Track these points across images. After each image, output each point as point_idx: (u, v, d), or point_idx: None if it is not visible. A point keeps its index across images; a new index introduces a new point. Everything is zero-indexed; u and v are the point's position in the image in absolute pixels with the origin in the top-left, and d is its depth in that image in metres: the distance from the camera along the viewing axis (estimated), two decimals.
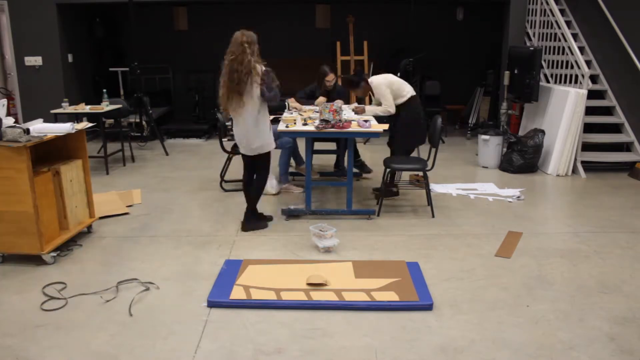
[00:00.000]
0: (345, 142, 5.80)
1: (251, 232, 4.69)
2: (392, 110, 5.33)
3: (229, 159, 6.07)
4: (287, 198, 5.67)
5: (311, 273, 3.72)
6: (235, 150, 5.93)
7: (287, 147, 5.88)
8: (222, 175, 6.07)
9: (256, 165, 4.71)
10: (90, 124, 4.80)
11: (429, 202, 5.14)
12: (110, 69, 9.03)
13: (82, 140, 4.50)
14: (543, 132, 6.78)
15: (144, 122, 8.37)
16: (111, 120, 8.08)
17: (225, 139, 7.94)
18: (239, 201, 5.55)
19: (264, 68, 4.36)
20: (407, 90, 5.43)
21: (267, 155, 4.67)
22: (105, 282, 3.73)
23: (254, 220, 4.77)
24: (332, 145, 6.76)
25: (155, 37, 9.97)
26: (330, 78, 6.31)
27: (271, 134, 4.63)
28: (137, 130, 8.37)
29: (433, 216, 5.07)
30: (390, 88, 5.35)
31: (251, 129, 4.47)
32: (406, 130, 5.42)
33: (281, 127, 5.02)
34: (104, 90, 7.10)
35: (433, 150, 5.19)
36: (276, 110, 5.63)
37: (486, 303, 3.43)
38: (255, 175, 4.74)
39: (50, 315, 3.28)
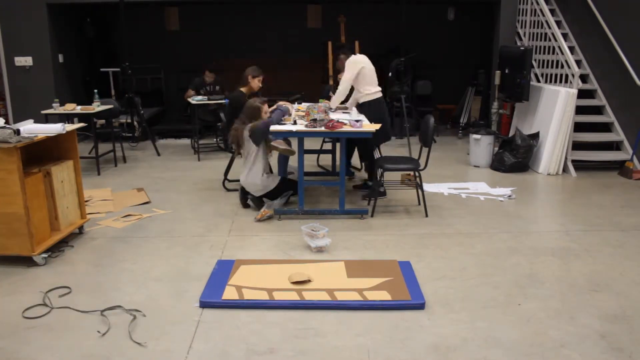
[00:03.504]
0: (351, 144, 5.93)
1: (243, 231, 4.69)
2: (342, 88, 5.50)
3: (232, 159, 6.04)
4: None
5: (300, 272, 3.72)
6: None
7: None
8: (225, 175, 6.05)
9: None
10: (83, 124, 4.79)
11: (421, 202, 5.16)
12: (102, 70, 8.95)
13: (73, 141, 4.48)
14: (537, 136, 6.82)
15: (135, 123, 8.33)
16: (102, 121, 7.97)
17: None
18: (231, 201, 5.55)
19: (246, 130, 5.10)
20: (374, 88, 5.56)
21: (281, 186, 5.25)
22: (97, 283, 3.72)
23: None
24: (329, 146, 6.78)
25: (147, 37, 9.93)
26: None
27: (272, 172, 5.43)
28: (129, 131, 8.32)
29: (426, 215, 5.08)
30: (359, 68, 5.46)
31: (256, 179, 5.19)
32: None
33: (274, 127, 5.02)
34: (95, 90, 7.06)
35: (425, 150, 5.20)
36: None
37: (478, 302, 3.45)
38: None
39: (42, 317, 3.26)
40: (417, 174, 5.19)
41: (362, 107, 5.66)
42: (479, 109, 9.55)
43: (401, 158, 5.50)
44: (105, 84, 9.01)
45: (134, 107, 7.97)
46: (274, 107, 5.46)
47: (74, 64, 8.93)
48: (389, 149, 7.92)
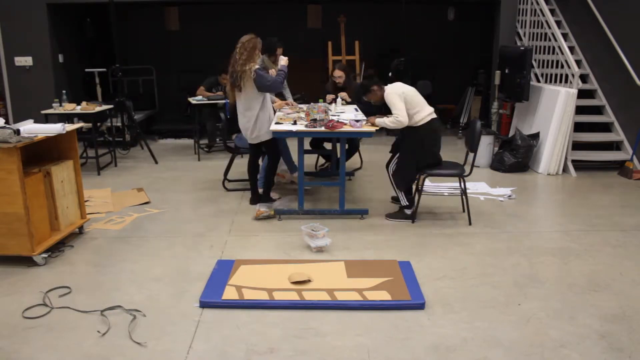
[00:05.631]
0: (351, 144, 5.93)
1: (243, 231, 4.69)
2: (403, 119, 4.69)
3: (232, 159, 6.04)
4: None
5: (300, 272, 3.72)
6: (238, 150, 5.91)
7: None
8: (225, 175, 6.05)
9: (264, 152, 5.41)
10: (84, 124, 4.77)
11: (465, 209, 4.98)
12: (87, 70, 8.29)
13: (73, 141, 4.48)
14: (538, 136, 6.82)
15: (125, 128, 8.01)
16: (89, 125, 6.89)
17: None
18: (231, 201, 5.54)
19: (254, 69, 4.93)
20: (420, 109, 4.84)
21: (269, 142, 5.21)
22: (97, 283, 3.72)
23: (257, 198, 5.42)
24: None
25: (146, 38, 9.93)
26: (337, 74, 6.32)
27: (269, 125, 5.07)
28: (118, 136, 7.86)
29: (470, 224, 4.86)
30: (403, 97, 4.77)
31: (252, 119, 5.08)
32: (408, 155, 4.89)
33: (274, 126, 5.02)
34: (64, 91, 6.95)
35: (471, 155, 5.08)
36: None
37: (478, 302, 3.45)
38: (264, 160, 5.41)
39: (42, 317, 3.26)
40: (463, 180, 4.94)
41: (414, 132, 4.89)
42: (479, 109, 9.55)
43: (445, 163, 5.09)
44: (105, 85, 8.98)
45: (125, 111, 7.68)
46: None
47: (74, 64, 8.92)
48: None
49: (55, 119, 6.44)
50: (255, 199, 5.41)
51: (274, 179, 5.45)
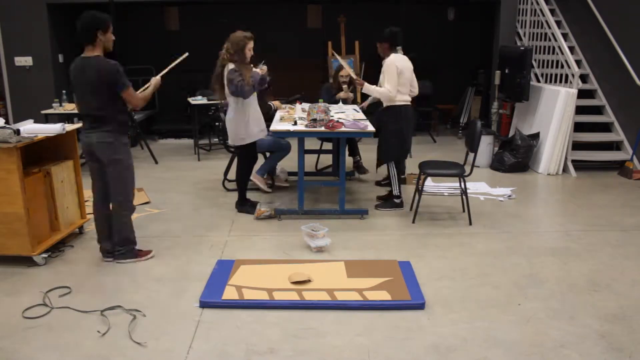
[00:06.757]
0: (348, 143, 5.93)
1: (243, 231, 4.69)
2: (393, 94, 4.90)
3: (232, 159, 6.04)
4: (267, 197, 5.66)
5: (300, 272, 3.72)
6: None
7: (282, 152, 5.80)
8: (225, 175, 6.05)
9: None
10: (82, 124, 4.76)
11: (465, 209, 4.98)
12: None
13: (73, 141, 4.48)
14: (538, 136, 6.82)
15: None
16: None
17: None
18: (231, 201, 5.54)
19: (230, 67, 4.81)
20: (404, 91, 5.03)
21: (241, 148, 5.09)
22: (97, 283, 3.72)
23: (241, 204, 5.28)
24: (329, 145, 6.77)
25: (146, 38, 9.93)
26: (344, 73, 6.30)
27: (248, 129, 4.94)
28: None
29: (470, 223, 4.88)
30: (400, 75, 4.93)
31: (228, 121, 5.06)
32: (391, 131, 5.09)
33: (274, 126, 5.02)
34: (64, 91, 6.97)
35: (471, 155, 5.09)
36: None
37: (478, 302, 3.45)
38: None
39: (42, 317, 3.26)
40: (463, 180, 4.95)
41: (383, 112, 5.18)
42: (479, 109, 9.55)
43: (445, 163, 5.22)
44: None
45: None
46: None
47: None
48: None
49: (55, 119, 6.44)
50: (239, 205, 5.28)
51: (246, 185, 5.29)
